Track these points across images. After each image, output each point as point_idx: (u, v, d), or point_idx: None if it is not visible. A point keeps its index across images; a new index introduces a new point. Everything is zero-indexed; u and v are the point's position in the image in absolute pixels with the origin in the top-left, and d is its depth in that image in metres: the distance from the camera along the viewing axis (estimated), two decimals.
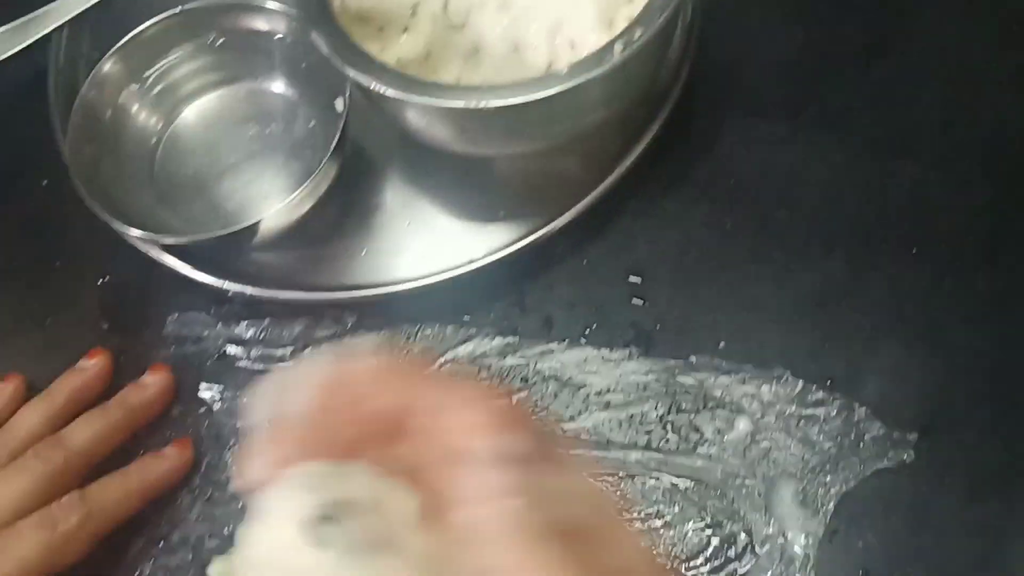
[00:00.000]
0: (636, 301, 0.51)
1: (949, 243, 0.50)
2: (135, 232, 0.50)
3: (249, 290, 0.51)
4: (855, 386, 0.47)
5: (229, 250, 0.53)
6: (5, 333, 0.56)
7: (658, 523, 0.46)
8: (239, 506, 0.49)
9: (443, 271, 0.51)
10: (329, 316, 0.53)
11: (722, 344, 0.49)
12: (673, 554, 0.45)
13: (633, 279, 0.52)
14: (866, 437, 0.46)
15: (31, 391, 0.52)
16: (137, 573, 0.49)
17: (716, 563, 0.45)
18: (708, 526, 0.46)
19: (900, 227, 0.51)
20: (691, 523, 0.46)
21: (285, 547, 0.25)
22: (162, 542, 0.49)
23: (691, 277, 0.51)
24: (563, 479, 0.26)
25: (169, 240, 0.50)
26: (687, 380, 0.49)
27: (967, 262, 0.49)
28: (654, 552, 0.28)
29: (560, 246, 0.52)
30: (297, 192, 0.49)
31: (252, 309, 0.54)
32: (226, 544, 0.48)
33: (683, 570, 0.45)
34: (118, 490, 0.47)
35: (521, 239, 0.51)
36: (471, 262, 0.50)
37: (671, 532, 0.46)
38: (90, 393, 0.51)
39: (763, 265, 0.51)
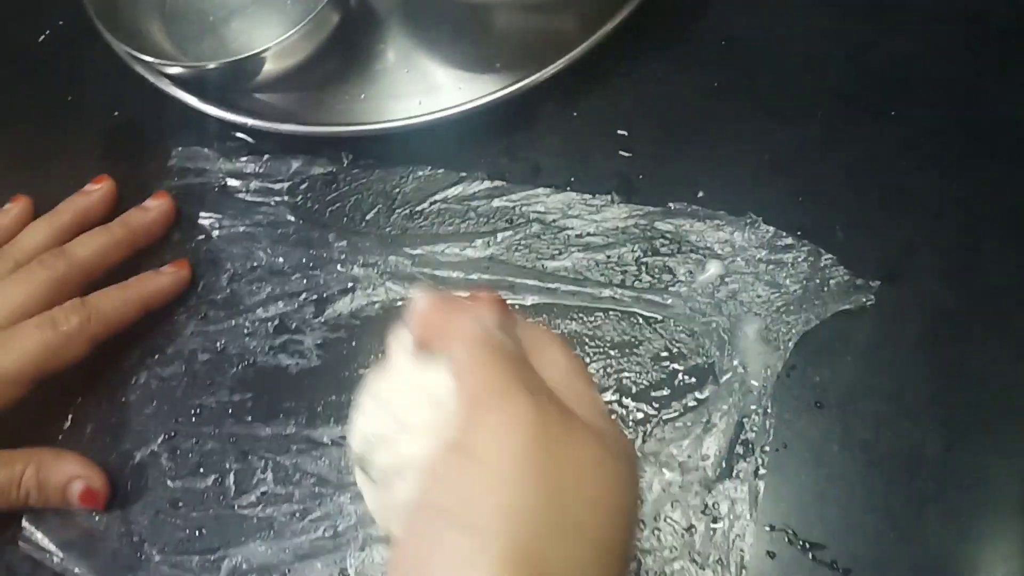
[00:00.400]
0: (622, 153, 0.53)
1: (926, 109, 0.51)
2: (147, 58, 0.52)
3: (251, 122, 0.53)
4: (824, 236, 0.49)
5: (234, 83, 0.55)
6: (17, 160, 0.59)
7: (627, 352, 0.48)
8: (233, 323, 0.52)
9: (437, 112, 0.52)
10: (326, 155, 0.55)
11: (700, 194, 0.51)
12: (638, 381, 0.47)
13: (620, 132, 0.54)
14: (831, 282, 0.48)
15: (39, 214, 0.54)
16: (133, 380, 0.51)
17: (678, 390, 0.47)
18: (673, 357, 0.48)
19: (880, 92, 0.52)
20: (657, 354, 0.48)
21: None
22: (157, 354, 0.52)
23: (676, 132, 0.53)
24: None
25: (178, 68, 0.52)
26: (664, 226, 0.51)
27: (941, 127, 0.51)
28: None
29: (551, 99, 0.54)
30: (299, 27, 0.51)
31: (253, 146, 0.56)
32: (218, 359, 0.51)
33: (649, 395, 0.47)
34: (117, 299, 0.50)
35: (514, 86, 0.52)
36: (464, 104, 0.52)
37: (638, 363, 0.48)
38: (94, 214, 0.54)
39: (745, 124, 0.53)
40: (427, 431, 0.33)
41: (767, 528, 0.44)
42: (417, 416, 0.34)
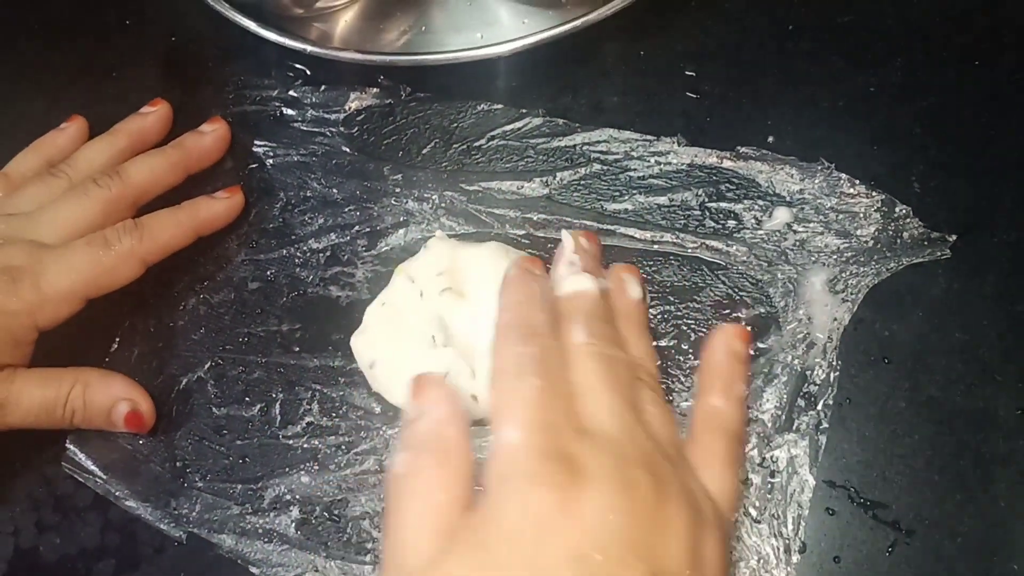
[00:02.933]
0: (689, 94, 0.51)
1: (1014, 57, 0.49)
2: None
3: (310, 48, 0.52)
4: (899, 186, 0.47)
5: (294, 9, 0.53)
6: (73, 82, 0.58)
7: (687, 298, 0.46)
8: (284, 253, 0.51)
9: (499, 44, 0.51)
10: (383, 87, 0.54)
11: (771, 139, 0.49)
12: (697, 329, 0.46)
13: (688, 72, 0.52)
14: (904, 234, 0.46)
15: (94, 135, 0.54)
16: (182, 305, 0.51)
17: None
18: (735, 305, 0.46)
19: (965, 38, 0.50)
20: (719, 302, 0.46)
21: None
22: (207, 281, 0.51)
23: (747, 74, 0.51)
24: None
25: None
26: (731, 170, 0.49)
27: None
28: None
29: (617, 36, 0.53)
30: None
31: (310, 76, 0.55)
32: (268, 288, 0.50)
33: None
34: (169, 221, 0.49)
35: (578, 20, 0.50)
36: (527, 37, 0.50)
37: (698, 310, 0.46)
38: (150, 136, 0.53)
39: (821, 66, 0.50)
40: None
41: (827, 484, 0.42)
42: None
